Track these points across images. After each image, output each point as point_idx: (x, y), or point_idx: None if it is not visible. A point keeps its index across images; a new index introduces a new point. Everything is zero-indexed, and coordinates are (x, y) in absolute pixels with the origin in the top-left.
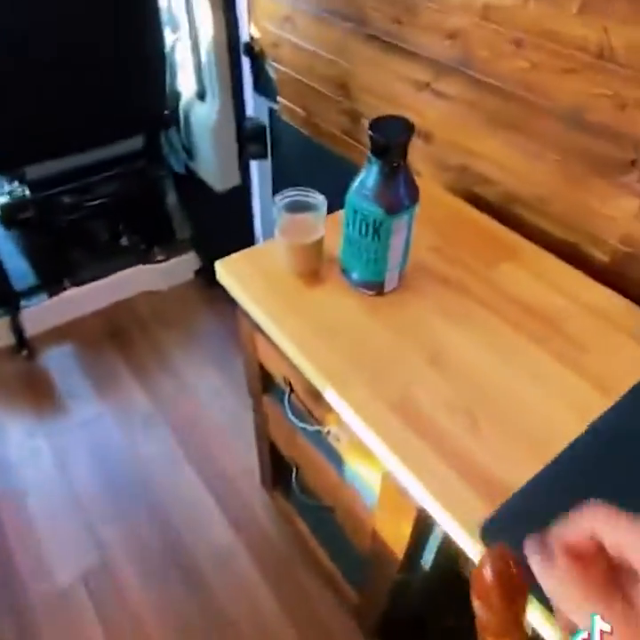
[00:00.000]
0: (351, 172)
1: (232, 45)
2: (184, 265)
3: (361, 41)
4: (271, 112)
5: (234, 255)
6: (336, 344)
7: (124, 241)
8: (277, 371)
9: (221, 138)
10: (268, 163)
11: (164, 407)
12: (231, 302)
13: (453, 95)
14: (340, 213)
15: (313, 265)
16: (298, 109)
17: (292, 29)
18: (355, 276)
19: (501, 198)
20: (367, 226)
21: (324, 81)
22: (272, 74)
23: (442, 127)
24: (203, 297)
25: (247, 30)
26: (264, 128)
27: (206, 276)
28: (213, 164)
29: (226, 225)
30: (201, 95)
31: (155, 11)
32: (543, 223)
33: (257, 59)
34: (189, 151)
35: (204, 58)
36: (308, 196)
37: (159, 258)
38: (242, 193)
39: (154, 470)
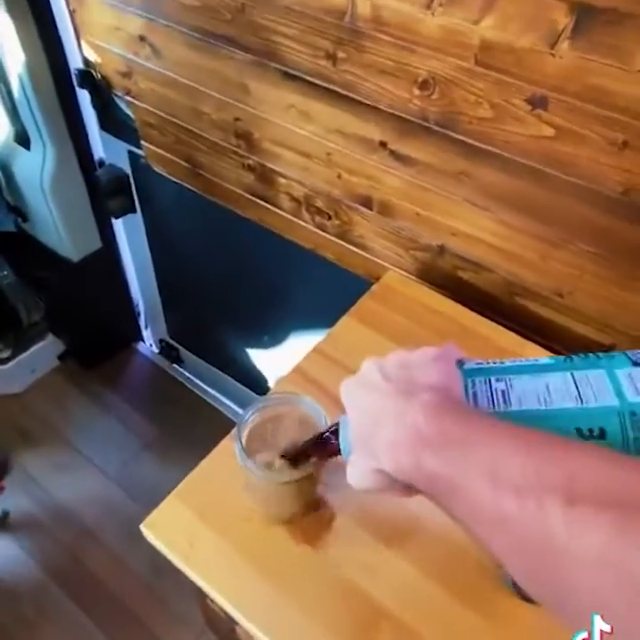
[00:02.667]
0: (264, 237)
1: (59, 73)
2: (42, 353)
3: (270, 80)
4: (132, 156)
5: (164, 505)
6: None
7: None
8: None
9: (65, 196)
10: (137, 215)
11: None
12: (117, 384)
13: (426, 161)
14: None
15: (310, 498)
16: (177, 160)
17: (151, 55)
18: None
19: (498, 288)
20: None
21: (213, 127)
22: (128, 111)
23: (407, 198)
24: (78, 387)
25: (78, 54)
26: (126, 177)
27: (77, 356)
28: (59, 229)
29: (91, 293)
30: (22, 140)
31: None
32: (560, 319)
33: (100, 91)
34: (20, 211)
35: (16, 91)
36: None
37: (4, 355)
38: (106, 256)
39: None
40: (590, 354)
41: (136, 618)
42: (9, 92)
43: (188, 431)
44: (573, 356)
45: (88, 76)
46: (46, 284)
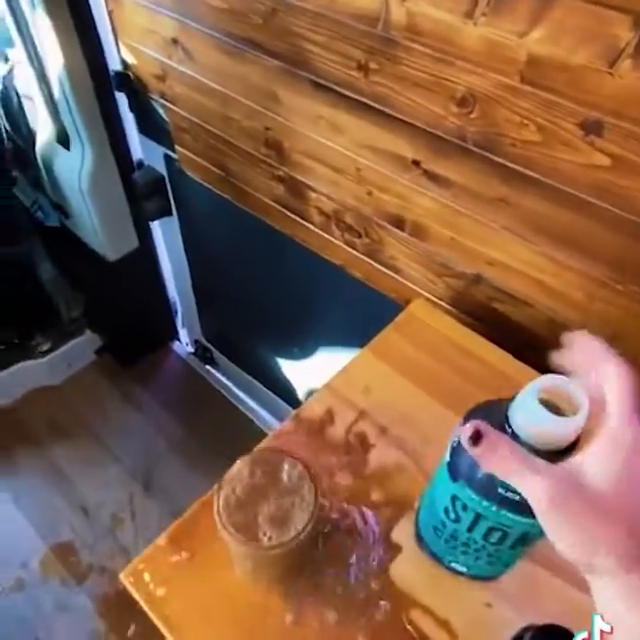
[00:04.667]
0: (294, 250)
1: (98, 76)
2: (80, 348)
3: (299, 89)
4: (168, 160)
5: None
6: None
7: None
8: None
9: (103, 198)
10: (173, 218)
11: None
12: (150, 382)
13: (462, 183)
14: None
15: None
16: (209, 166)
17: (183, 58)
18: (460, 568)
19: (537, 324)
20: (505, 535)
21: (244, 135)
22: (163, 114)
23: (441, 221)
24: (112, 383)
25: (116, 56)
26: (162, 179)
27: (114, 353)
28: (98, 229)
29: (129, 292)
30: (62, 140)
31: None
32: None
33: (137, 94)
34: (62, 208)
35: (56, 91)
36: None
37: (43, 348)
38: (143, 256)
39: None
40: None
41: None
42: (50, 93)
43: (215, 436)
44: None
45: (125, 79)
46: (86, 280)
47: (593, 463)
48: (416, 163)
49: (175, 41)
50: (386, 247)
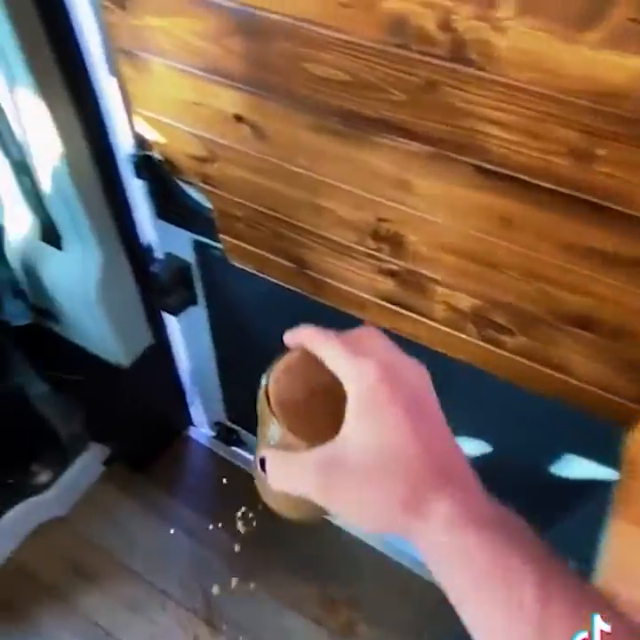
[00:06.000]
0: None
1: (103, 158)
2: (85, 466)
3: (453, 177)
4: (200, 246)
5: None
6: None
7: None
8: None
9: (114, 301)
10: (197, 307)
11: None
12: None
13: None
14: None
15: None
16: (273, 257)
17: (250, 137)
18: None
19: None
20: None
21: (341, 226)
22: (200, 199)
23: None
24: (129, 496)
25: (126, 131)
26: (188, 269)
27: (125, 460)
28: (108, 338)
29: (139, 391)
30: (50, 238)
31: None
32: None
33: (160, 177)
34: (46, 312)
35: (44, 183)
36: None
37: (42, 479)
38: (158, 350)
39: None
40: None
41: None
42: (33, 184)
43: (271, 529)
44: None
45: (146, 163)
46: (81, 387)
47: (350, 433)
48: (627, 258)
49: (239, 118)
50: (554, 347)
